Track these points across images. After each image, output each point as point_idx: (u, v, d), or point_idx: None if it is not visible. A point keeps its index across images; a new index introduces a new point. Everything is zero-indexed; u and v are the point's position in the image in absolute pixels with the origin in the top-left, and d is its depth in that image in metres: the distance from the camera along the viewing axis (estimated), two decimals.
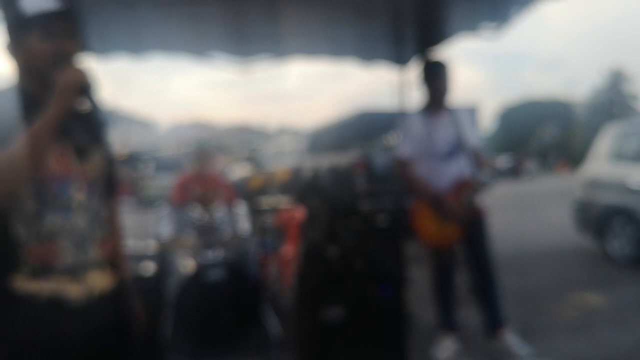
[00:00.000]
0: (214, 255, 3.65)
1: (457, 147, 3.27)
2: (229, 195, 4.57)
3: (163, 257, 3.99)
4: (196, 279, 3.43)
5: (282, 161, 9.31)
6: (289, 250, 4.92)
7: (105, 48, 4.56)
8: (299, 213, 5.22)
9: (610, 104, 49.26)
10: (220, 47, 4.97)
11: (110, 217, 1.54)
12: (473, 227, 3.22)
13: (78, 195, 1.38)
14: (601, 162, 6.33)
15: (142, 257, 3.74)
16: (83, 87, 1.34)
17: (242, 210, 4.03)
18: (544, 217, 10.99)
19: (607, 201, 6.03)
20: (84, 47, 1.47)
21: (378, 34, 4.88)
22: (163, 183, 15.95)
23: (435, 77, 3.31)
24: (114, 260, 1.51)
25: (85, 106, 1.40)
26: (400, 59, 5.09)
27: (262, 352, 3.14)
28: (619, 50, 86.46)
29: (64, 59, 1.37)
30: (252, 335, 3.42)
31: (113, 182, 1.57)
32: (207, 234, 3.88)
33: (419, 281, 3.84)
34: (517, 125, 46.54)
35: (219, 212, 3.96)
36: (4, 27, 1.40)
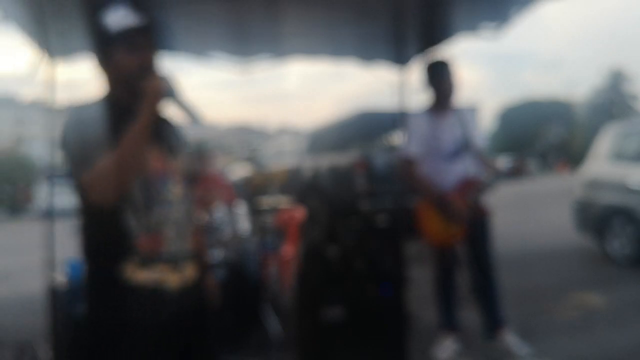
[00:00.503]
0: (214, 255, 3.65)
1: (463, 147, 3.27)
2: (229, 195, 4.57)
3: None
4: None
5: (282, 161, 9.30)
6: (289, 250, 4.92)
7: None
8: (299, 213, 5.22)
9: (610, 104, 49.20)
10: (220, 47, 4.97)
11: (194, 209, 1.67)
12: (476, 227, 3.23)
13: (175, 189, 1.54)
14: (601, 162, 6.32)
15: None
16: (167, 93, 1.47)
17: (242, 210, 4.03)
18: (543, 217, 10.98)
19: (607, 201, 6.03)
20: (161, 55, 1.60)
21: (378, 34, 4.88)
22: None
23: (440, 77, 3.30)
24: (199, 251, 1.65)
25: (172, 109, 1.53)
26: (400, 59, 5.08)
27: (262, 352, 3.14)
28: (619, 50, 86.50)
29: (148, 69, 1.51)
30: (252, 335, 3.42)
31: (193, 176, 1.72)
32: (207, 234, 3.88)
33: (419, 281, 3.84)
34: (517, 125, 46.48)
35: (219, 212, 3.96)
36: (92, 44, 1.55)
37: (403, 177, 3.44)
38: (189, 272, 1.55)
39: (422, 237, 3.32)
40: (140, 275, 1.44)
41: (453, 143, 3.26)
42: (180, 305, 1.50)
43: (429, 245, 3.36)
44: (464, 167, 3.26)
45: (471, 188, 3.21)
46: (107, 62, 1.53)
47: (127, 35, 1.49)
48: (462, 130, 3.27)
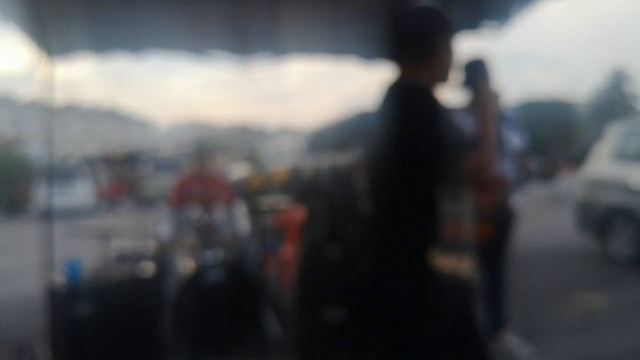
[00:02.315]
0: (214, 255, 3.65)
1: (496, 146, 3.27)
2: (229, 195, 4.56)
3: (162, 258, 3.99)
4: (196, 279, 3.43)
5: (282, 161, 9.30)
6: (289, 250, 4.92)
7: (104, 46, 4.55)
8: (299, 213, 5.21)
9: (612, 104, 49.15)
10: (220, 46, 4.97)
11: None
12: (501, 226, 3.23)
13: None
14: (603, 162, 6.32)
15: (141, 258, 3.74)
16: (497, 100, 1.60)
17: (241, 210, 4.03)
18: (545, 217, 10.98)
19: (608, 201, 6.02)
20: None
21: (378, 33, 4.88)
22: (162, 183, 15.94)
23: (477, 76, 3.29)
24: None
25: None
26: None
27: (261, 353, 3.14)
28: (621, 50, 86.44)
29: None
30: (252, 335, 3.42)
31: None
32: (207, 234, 3.88)
33: None
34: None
35: (219, 213, 3.96)
36: (437, 35, 1.62)
37: None
38: (468, 262, 1.61)
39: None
40: (440, 260, 1.51)
41: None
42: (462, 295, 1.58)
43: None
44: (496, 166, 3.26)
45: (501, 187, 3.21)
46: (446, 52, 1.63)
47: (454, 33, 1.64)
48: (497, 129, 3.28)
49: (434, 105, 1.57)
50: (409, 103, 1.55)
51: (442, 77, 1.65)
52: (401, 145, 1.50)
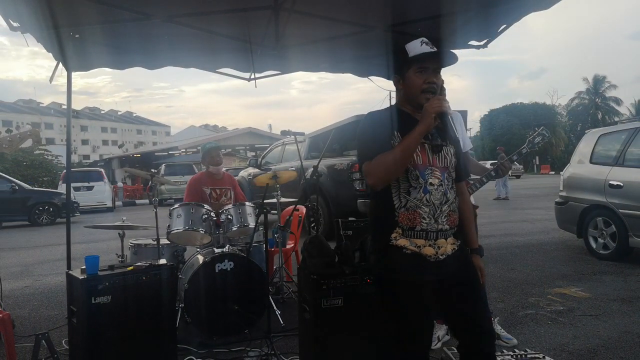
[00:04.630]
0: (223, 250, 3.64)
1: None
2: (237, 193, 4.55)
3: (175, 252, 3.97)
4: (205, 272, 3.42)
5: (286, 162, 9.27)
6: (292, 245, 4.91)
7: (122, 62, 4.54)
8: (302, 211, 5.20)
9: (593, 108, 49.17)
10: (230, 65, 5.01)
11: (458, 196, 1.90)
12: None
13: (432, 179, 1.78)
14: (583, 164, 6.32)
15: (155, 252, 3.73)
16: (442, 112, 1.70)
17: (248, 207, 4.00)
18: (530, 214, 10.96)
19: (588, 200, 6.01)
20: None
21: (373, 54, 4.95)
22: (175, 181, 15.94)
23: None
24: (458, 230, 1.89)
25: (442, 123, 1.77)
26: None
27: (266, 341, 3.12)
28: (601, 58, 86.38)
29: (432, 88, 1.78)
30: (258, 325, 3.41)
31: (459, 170, 1.94)
32: (216, 229, 3.87)
33: None
34: (498, 127, 46.36)
35: (227, 209, 3.94)
36: (393, 66, 1.88)
37: None
38: (443, 247, 1.78)
39: None
40: (402, 242, 1.76)
41: None
42: (437, 271, 1.77)
43: None
44: None
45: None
46: (401, 79, 1.85)
47: (419, 60, 1.78)
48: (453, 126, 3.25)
49: (369, 119, 1.85)
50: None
51: (407, 98, 1.84)
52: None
